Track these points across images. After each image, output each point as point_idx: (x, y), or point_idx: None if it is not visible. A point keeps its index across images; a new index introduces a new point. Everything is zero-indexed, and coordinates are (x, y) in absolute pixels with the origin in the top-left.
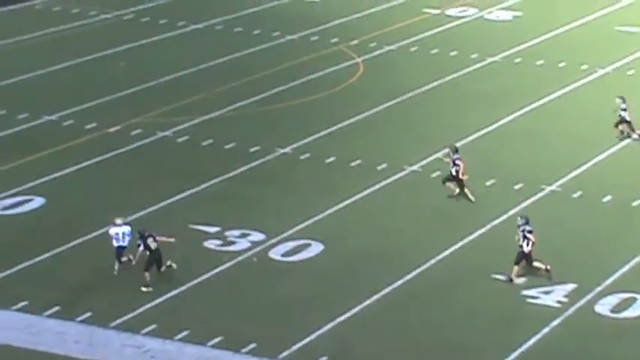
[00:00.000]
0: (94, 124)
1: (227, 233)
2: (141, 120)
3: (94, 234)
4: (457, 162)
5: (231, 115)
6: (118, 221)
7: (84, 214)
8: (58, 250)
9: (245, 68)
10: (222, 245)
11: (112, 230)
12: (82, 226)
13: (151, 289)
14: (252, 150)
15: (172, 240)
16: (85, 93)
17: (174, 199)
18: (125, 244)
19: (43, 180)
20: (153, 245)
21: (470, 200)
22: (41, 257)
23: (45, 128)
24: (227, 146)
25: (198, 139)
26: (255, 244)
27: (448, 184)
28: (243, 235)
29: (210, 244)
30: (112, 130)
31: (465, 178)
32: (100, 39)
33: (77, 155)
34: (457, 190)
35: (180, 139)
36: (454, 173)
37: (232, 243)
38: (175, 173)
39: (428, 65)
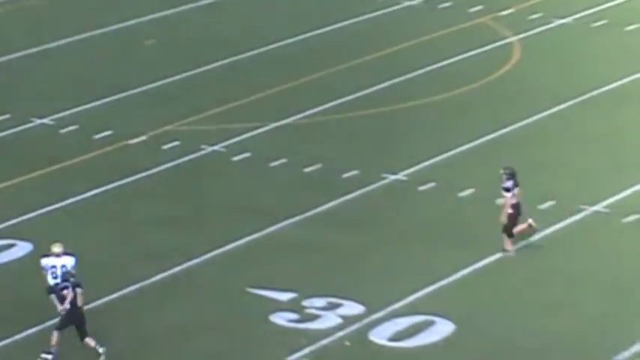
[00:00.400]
0: (107, 132)
1: (306, 302)
2: (174, 128)
3: None
4: None
5: (312, 122)
6: (56, 249)
7: (109, 269)
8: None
9: (334, 50)
10: (298, 321)
11: (46, 261)
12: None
13: (51, 357)
14: (345, 176)
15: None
16: (90, 86)
17: (225, 248)
18: (65, 282)
19: (31, 215)
20: (79, 299)
21: None
22: None
23: (34, 136)
24: (307, 169)
25: (263, 156)
26: (348, 320)
27: None
28: (331, 306)
29: (281, 318)
30: (134, 141)
31: None
32: (109, 7)
33: (83, 177)
34: None
35: (236, 157)
36: None
37: (314, 318)
38: (230, 209)
39: (621, 47)
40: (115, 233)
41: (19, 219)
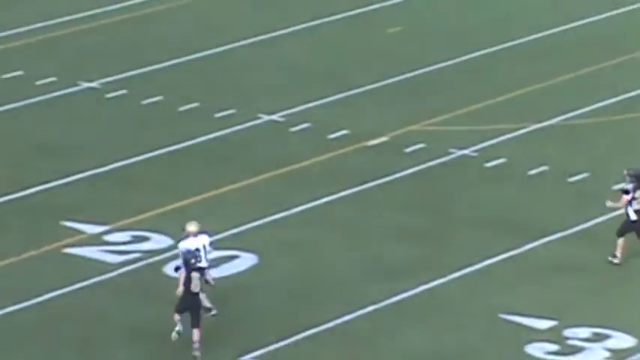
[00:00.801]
0: (343, 132)
1: (567, 332)
2: (419, 128)
3: None
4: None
5: (577, 124)
6: (192, 228)
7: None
8: None
9: (600, 43)
10: (558, 353)
11: (185, 244)
12: None
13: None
14: (615, 188)
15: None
16: (322, 79)
17: (473, 267)
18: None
19: (256, 224)
20: (197, 285)
21: None
22: None
23: (262, 134)
24: (571, 178)
25: (520, 163)
26: (618, 354)
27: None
28: (597, 338)
29: (538, 350)
30: (373, 142)
31: None
32: None
33: (315, 182)
34: None
35: (488, 163)
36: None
37: (577, 350)
38: (481, 222)
39: None
40: (347, 245)
41: (243, 227)
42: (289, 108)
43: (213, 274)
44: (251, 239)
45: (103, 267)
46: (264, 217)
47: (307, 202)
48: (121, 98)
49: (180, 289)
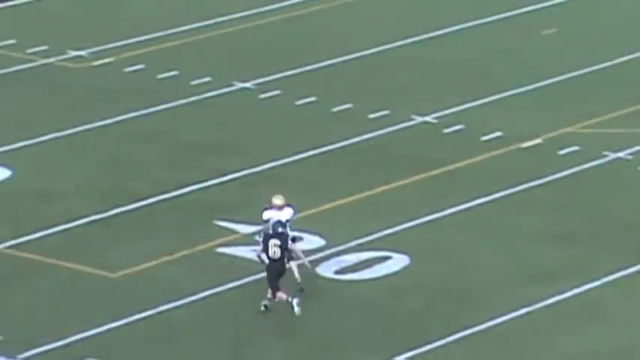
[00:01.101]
0: (497, 134)
1: None
2: (574, 130)
3: None
4: None
5: None
6: (278, 201)
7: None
8: None
9: None
10: None
11: (269, 214)
12: None
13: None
14: None
15: (307, 262)
16: (477, 81)
17: (630, 270)
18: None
19: (409, 225)
20: (273, 250)
21: None
22: None
23: (416, 135)
24: None
25: None
26: None
27: None
28: None
29: None
30: (527, 144)
31: None
32: None
33: (468, 183)
34: None
35: None
36: None
37: None
38: (636, 226)
39: None
40: (501, 247)
41: (396, 228)
42: (443, 109)
43: (365, 274)
44: (403, 240)
45: (256, 267)
46: (417, 218)
47: (460, 204)
48: (275, 99)
49: (264, 257)
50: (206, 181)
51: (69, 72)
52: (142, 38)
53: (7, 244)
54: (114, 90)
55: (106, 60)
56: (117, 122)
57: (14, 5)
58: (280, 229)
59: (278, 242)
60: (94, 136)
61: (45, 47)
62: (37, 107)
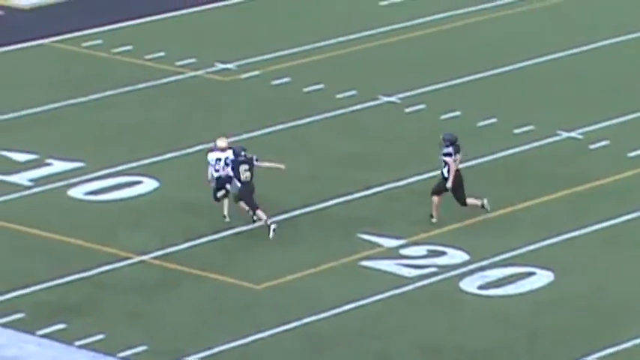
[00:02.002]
0: None
1: None
2: None
3: None
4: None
5: None
6: (222, 143)
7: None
8: None
9: None
10: None
11: (212, 155)
12: None
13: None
14: None
15: (282, 166)
16: (628, 96)
17: None
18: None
19: (554, 240)
20: (245, 175)
21: None
22: None
23: (561, 150)
24: None
25: None
26: None
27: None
28: None
29: None
30: None
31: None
32: None
33: (614, 199)
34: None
35: None
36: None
37: None
38: None
39: None
40: None
41: (540, 244)
42: (589, 125)
43: (509, 290)
44: (547, 256)
45: (399, 280)
46: (561, 234)
47: (605, 220)
48: (420, 113)
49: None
50: (351, 194)
51: (217, 84)
52: (288, 51)
53: (155, 254)
54: (261, 102)
55: (253, 73)
56: (263, 134)
57: (163, 18)
58: (244, 155)
59: (247, 166)
60: None
61: (193, 60)
62: (185, 119)
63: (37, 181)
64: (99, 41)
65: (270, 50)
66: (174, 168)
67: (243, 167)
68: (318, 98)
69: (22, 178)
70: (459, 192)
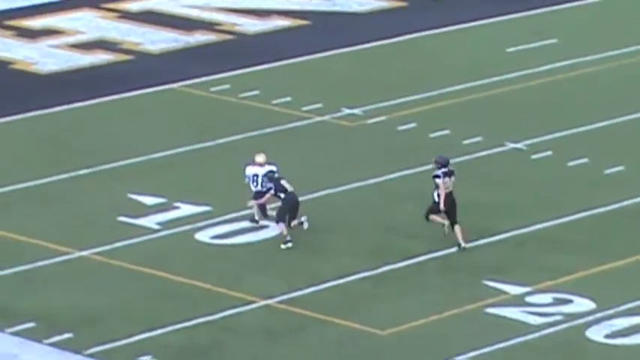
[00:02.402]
0: None
1: None
2: None
3: None
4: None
5: None
6: (260, 158)
7: None
8: None
9: None
10: None
11: (250, 170)
12: None
13: (290, 244)
14: None
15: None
16: None
17: None
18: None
19: None
20: (288, 185)
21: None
22: None
23: None
24: None
25: None
26: None
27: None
28: None
29: None
30: None
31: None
32: None
33: None
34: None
35: None
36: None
37: None
38: None
39: None
40: None
41: None
42: None
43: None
44: None
45: (525, 328)
46: None
47: None
48: (547, 159)
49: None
50: (476, 240)
51: (343, 129)
52: (414, 97)
53: (280, 298)
54: (387, 148)
55: (380, 118)
56: (388, 180)
57: (290, 63)
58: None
59: (285, 180)
60: (366, 194)
61: (319, 105)
62: (311, 164)
63: (165, 225)
64: (226, 86)
65: (397, 96)
66: (301, 212)
67: (284, 180)
68: (444, 144)
69: (150, 221)
70: (452, 215)
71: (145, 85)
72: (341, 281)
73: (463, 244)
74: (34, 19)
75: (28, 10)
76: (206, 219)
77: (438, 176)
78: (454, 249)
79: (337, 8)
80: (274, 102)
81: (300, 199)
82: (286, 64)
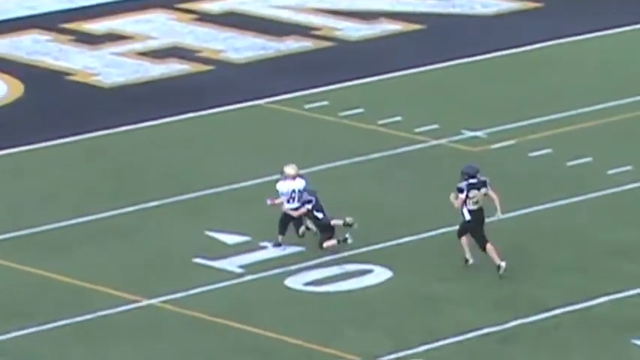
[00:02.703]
0: None
1: None
2: None
3: None
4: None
5: None
6: (290, 170)
7: None
8: None
9: None
10: None
11: (285, 186)
12: None
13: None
14: None
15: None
16: None
17: None
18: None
19: None
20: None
21: None
22: None
23: None
24: None
25: None
26: None
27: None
28: None
29: None
30: None
31: None
32: None
33: None
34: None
35: None
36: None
37: None
38: None
39: None
40: None
41: None
42: None
43: None
44: None
45: None
46: None
47: None
48: None
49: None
50: (623, 290)
51: (463, 155)
52: (549, 117)
53: (386, 358)
54: (515, 177)
55: (507, 142)
56: (520, 216)
57: (400, 76)
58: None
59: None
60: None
61: (435, 126)
62: (425, 196)
63: (249, 268)
64: (324, 102)
65: (528, 116)
66: (410, 254)
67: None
68: (585, 174)
69: (231, 263)
70: (478, 236)
71: (227, 100)
72: (460, 337)
73: (501, 264)
74: (95, 21)
75: (89, 12)
76: (298, 262)
77: (461, 190)
78: (597, 300)
79: (457, 10)
80: (381, 122)
81: (410, 238)
82: (395, 76)
